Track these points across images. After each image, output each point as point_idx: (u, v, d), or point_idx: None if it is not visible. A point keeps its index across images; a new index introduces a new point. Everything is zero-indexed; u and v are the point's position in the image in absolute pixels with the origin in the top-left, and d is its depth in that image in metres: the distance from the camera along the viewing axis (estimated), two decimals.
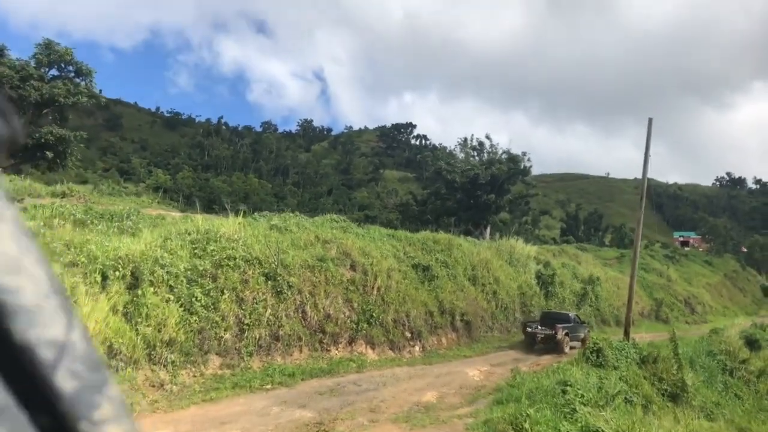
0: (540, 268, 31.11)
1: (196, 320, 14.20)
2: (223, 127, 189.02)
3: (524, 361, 21.62)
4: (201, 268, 15.22)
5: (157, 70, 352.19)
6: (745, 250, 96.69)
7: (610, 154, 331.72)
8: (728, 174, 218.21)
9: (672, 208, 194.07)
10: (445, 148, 62.44)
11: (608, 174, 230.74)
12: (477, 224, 55.28)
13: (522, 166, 55.93)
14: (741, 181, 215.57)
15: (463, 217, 55.96)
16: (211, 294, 14.95)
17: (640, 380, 18.33)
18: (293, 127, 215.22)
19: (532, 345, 23.21)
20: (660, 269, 60.42)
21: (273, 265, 16.98)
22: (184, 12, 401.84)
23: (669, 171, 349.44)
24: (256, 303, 15.86)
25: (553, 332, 22.93)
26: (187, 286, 14.67)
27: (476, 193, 54.90)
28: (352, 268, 20.24)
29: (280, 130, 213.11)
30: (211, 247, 16.25)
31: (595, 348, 19.54)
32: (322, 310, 17.72)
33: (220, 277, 15.49)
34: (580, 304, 32.70)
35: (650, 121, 21.52)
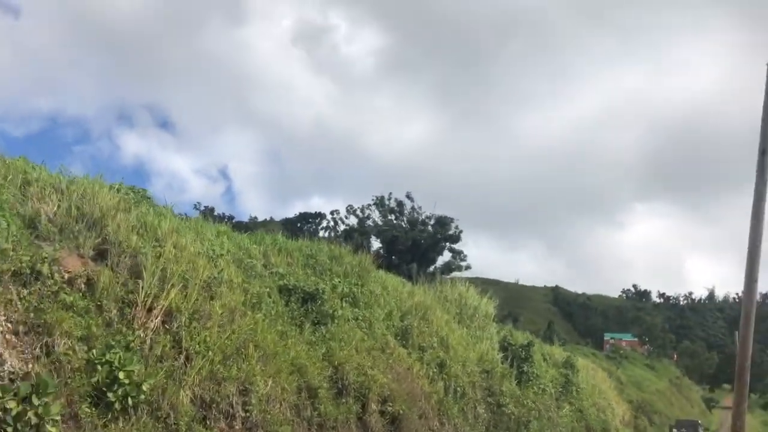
0: (506, 335, 19.07)
1: None
2: None
3: None
4: None
5: (50, 160, 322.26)
6: (675, 357, 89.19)
7: (514, 266, 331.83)
8: (634, 286, 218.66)
9: (582, 317, 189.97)
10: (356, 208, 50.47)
11: (518, 281, 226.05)
12: None
13: (451, 232, 45.02)
14: (646, 294, 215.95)
15: None
16: None
17: None
18: (192, 214, 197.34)
19: None
20: (609, 370, 49.96)
21: None
22: (88, 102, 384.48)
23: (575, 282, 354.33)
24: None
25: None
26: None
27: (392, 259, 43.03)
28: (100, 254, 7.46)
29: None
30: None
31: None
32: None
33: None
34: (560, 400, 20.65)
35: None
